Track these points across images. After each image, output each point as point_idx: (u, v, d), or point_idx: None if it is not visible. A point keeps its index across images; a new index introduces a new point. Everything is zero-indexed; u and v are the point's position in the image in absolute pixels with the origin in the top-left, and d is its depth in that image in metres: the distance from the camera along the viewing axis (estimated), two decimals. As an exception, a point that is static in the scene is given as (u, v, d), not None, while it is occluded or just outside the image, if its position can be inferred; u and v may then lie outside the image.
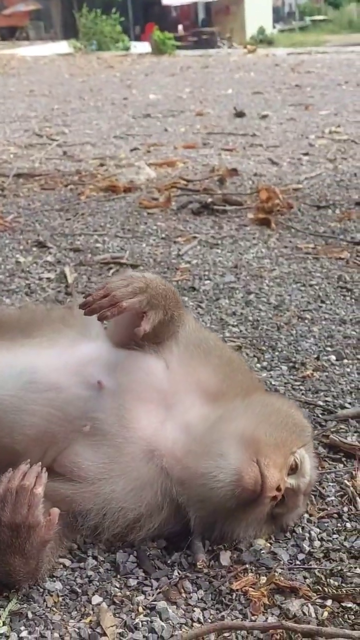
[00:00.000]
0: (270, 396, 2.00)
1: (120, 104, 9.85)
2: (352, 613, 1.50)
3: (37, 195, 5.00)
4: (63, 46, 22.28)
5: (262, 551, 1.69)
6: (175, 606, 1.54)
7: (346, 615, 1.50)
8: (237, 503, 1.59)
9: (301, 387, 2.44)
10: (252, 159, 6.08)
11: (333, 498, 1.90)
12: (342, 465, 2.04)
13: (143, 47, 21.53)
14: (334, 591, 1.56)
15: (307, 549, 1.71)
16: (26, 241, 4.01)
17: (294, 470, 1.68)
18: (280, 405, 1.80)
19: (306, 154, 6.19)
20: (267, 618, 1.50)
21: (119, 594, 1.58)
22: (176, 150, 6.52)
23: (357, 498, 1.88)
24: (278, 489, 1.60)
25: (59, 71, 15.37)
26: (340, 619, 1.49)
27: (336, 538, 1.75)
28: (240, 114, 8.36)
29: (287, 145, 6.63)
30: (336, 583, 1.59)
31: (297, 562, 1.67)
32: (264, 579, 1.60)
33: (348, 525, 1.79)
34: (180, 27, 27.66)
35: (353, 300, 3.17)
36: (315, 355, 2.66)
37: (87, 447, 1.67)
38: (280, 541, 1.73)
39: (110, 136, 7.35)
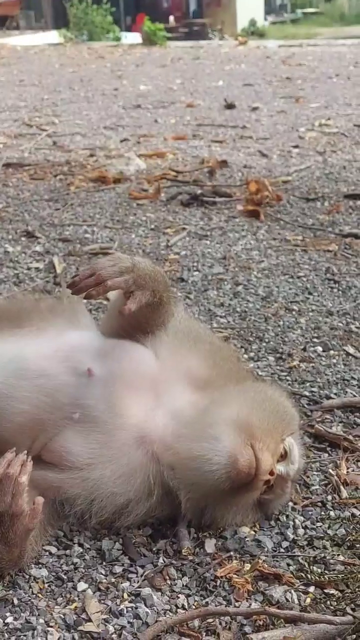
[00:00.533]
0: (261, 384, 2.02)
1: (111, 95, 9.82)
2: (334, 599, 1.52)
3: (26, 185, 4.98)
4: (53, 36, 22.11)
5: (246, 539, 1.71)
6: (160, 593, 1.56)
7: (328, 602, 1.52)
8: (230, 486, 1.60)
9: (288, 378, 2.46)
10: (242, 151, 6.08)
11: (317, 487, 1.91)
12: (326, 455, 2.06)
13: (134, 37, 21.40)
14: (317, 578, 1.58)
15: (291, 536, 1.72)
16: (15, 231, 4.00)
17: (283, 457, 1.70)
18: (272, 393, 1.82)
19: (296, 147, 6.20)
20: (250, 604, 1.52)
21: (104, 580, 1.59)
22: (166, 142, 6.51)
23: (341, 487, 1.90)
24: (271, 473, 1.63)
25: (49, 61, 15.28)
26: (323, 605, 1.51)
27: (320, 526, 1.77)
28: (230, 106, 8.35)
29: (277, 138, 6.64)
30: (319, 570, 1.61)
31: (281, 550, 1.69)
32: (248, 566, 1.62)
33: (332, 513, 1.81)
34: (171, 18, 27.46)
35: (340, 292, 3.19)
36: (302, 347, 2.68)
37: (76, 434, 1.68)
38: (265, 529, 1.75)
39: (100, 127, 7.32)
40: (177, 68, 13.46)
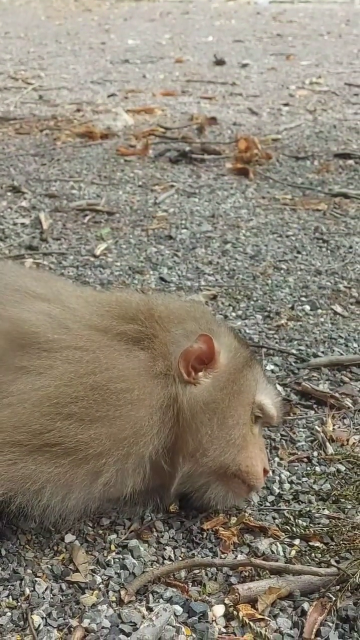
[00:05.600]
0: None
1: (98, 49, 9.61)
2: (318, 552, 1.54)
3: (11, 140, 4.89)
4: (39, -13, 21.53)
5: (233, 493, 1.72)
6: (146, 544, 1.57)
7: (313, 554, 1.54)
8: None
9: (275, 336, 2.46)
10: (231, 108, 5.99)
11: (303, 443, 1.93)
12: (313, 412, 2.07)
13: (122, -10, 20.90)
14: (302, 531, 1.60)
15: (277, 491, 1.74)
16: (0, 186, 3.94)
17: (259, 418, 1.67)
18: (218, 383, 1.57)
19: (286, 105, 6.12)
20: (236, 556, 1.54)
21: (92, 532, 1.60)
22: (155, 98, 6.41)
23: (327, 443, 1.91)
24: (265, 471, 1.63)
25: (35, 13, 14.90)
26: (307, 557, 1.53)
27: (305, 481, 1.78)
28: (220, 62, 8.22)
29: (267, 95, 6.55)
30: (304, 523, 1.63)
31: (267, 504, 1.70)
32: (234, 520, 1.64)
33: (317, 469, 1.83)
34: (160, -30, 26.85)
35: (329, 251, 3.18)
36: (290, 305, 2.68)
37: None
38: (251, 483, 1.76)
39: (87, 81, 7.19)
40: (166, 23, 13.18)
